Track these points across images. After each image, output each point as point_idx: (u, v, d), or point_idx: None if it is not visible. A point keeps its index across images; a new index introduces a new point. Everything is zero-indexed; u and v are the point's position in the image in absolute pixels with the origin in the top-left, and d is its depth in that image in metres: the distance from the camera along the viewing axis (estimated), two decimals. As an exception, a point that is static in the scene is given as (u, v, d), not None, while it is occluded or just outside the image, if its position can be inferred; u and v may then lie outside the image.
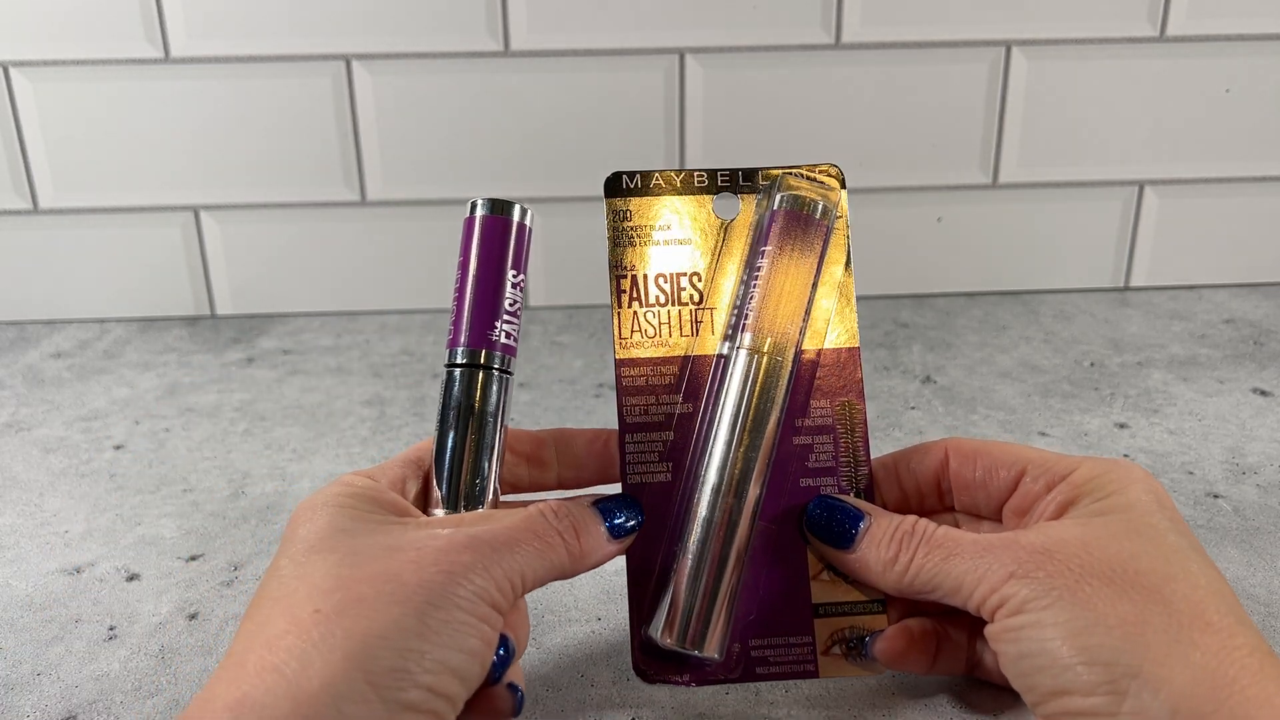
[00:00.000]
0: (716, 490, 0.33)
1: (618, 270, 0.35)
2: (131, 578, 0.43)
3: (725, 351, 0.34)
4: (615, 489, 0.34)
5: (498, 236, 0.32)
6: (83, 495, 0.50)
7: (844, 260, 0.35)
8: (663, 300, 0.35)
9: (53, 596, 0.42)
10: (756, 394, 0.33)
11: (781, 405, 0.33)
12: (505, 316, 0.32)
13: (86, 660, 0.38)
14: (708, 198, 0.35)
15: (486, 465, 0.32)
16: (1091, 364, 0.63)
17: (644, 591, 0.33)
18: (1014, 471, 0.33)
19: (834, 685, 0.35)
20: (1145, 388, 0.59)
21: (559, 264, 0.73)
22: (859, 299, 0.74)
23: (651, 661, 0.33)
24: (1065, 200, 0.73)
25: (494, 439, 0.32)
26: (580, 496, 0.33)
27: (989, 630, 0.29)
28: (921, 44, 0.68)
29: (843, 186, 0.35)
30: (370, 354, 0.67)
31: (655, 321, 0.35)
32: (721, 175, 0.35)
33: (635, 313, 0.35)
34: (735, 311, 0.35)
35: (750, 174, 0.35)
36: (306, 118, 0.69)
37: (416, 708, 0.25)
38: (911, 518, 0.32)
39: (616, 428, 0.35)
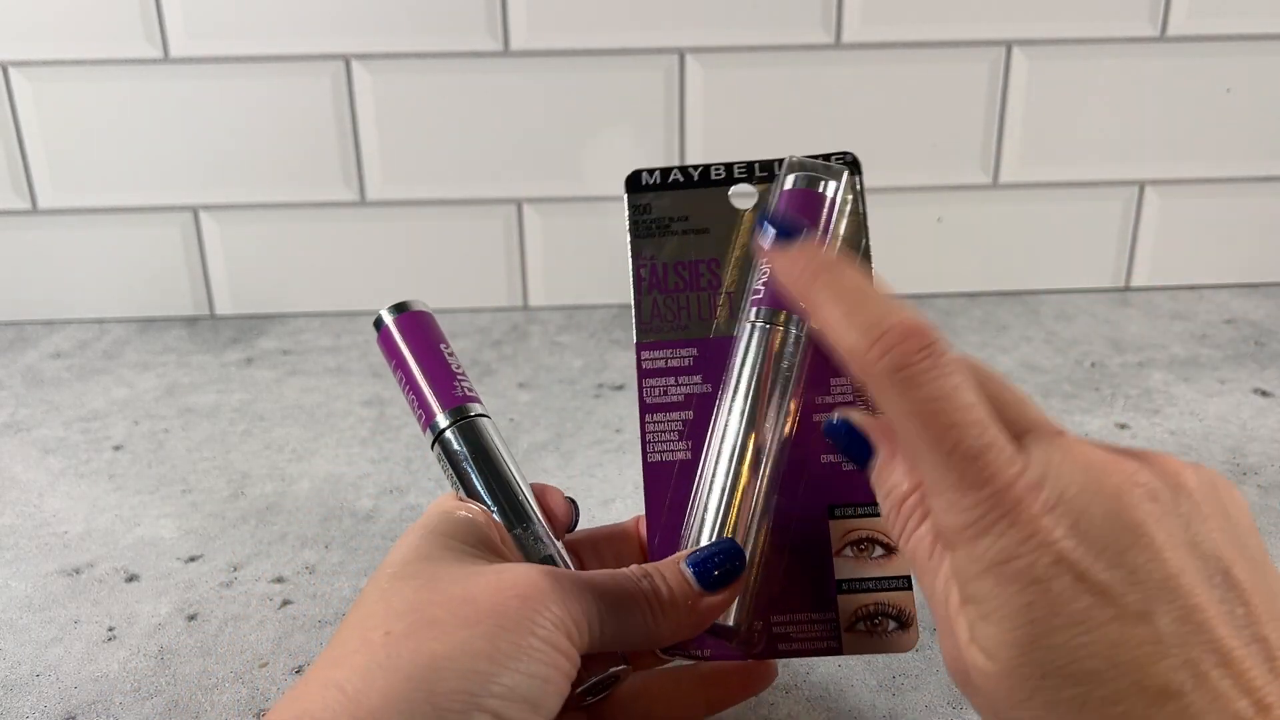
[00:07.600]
0: (730, 460, 0.33)
1: (638, 260, 0.35)
2: (130, 578, 0.43)
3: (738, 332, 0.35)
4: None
5: (416, 327, 0.36)
6: (82, 496, 0.50)
7: (859, 245, 0.35)
8: (681, 286, 0.35)
9: (52, 597, 0.42)
10: (769, 364, 0.33)
11: (792, 377, 0.33)
12: (458, 376, 0.35)
13: (86, 661, 0.38)
14: (724, 189, 0.36)
15: (522, 489, 0.34)
16: (1092, 364, 0.63)
17: None
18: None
19: (834, 685, 0.35)
20: (1146, 388, 0.59)
21: (559, 264, 0.73)
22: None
23: None
24: (1066, 200, 0.73)
25: (511, 465, 0.34)
26: (671, 557, 0.31)
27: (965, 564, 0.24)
28: (922, 43, 0.68)
29: (856, 172, 0.36)
30: (370, 354, 0.67)
31: (674, 306, 0.35)
32: (739, 168, 0.36)
33: (655, 299, 0.35)
34: (750, 291, 0.35)
35: (767, 165, 0.36)
36: (306, 118, 0.69)
37: None
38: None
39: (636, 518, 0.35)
